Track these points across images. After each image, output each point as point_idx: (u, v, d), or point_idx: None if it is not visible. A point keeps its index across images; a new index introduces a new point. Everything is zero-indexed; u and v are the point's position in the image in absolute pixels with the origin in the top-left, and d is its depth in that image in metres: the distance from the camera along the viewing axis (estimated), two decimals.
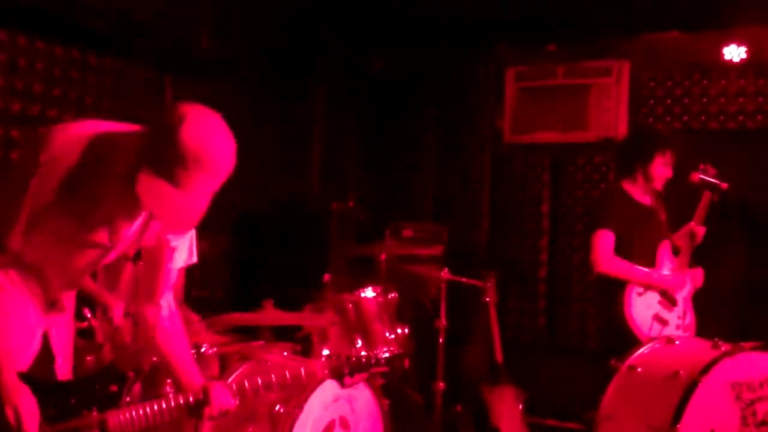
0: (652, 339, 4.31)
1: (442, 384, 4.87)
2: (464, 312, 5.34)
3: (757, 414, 3.79)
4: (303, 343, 4.51)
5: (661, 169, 4.67)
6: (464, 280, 5.08)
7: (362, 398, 3.96)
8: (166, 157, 2.20)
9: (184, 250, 2.69)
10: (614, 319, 4.58)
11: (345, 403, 3.89)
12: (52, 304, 2.58)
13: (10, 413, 2.33)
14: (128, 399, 2.54)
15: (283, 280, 5.65)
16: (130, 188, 2.27)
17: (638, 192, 4.72)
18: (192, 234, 2.69)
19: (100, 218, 2.44)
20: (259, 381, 2.74)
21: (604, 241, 4.56)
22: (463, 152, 6.79)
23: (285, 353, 4.23)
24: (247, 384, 2.73)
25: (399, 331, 4.72)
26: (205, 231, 4.78)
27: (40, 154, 2.31)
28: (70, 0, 4.70)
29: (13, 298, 2.47)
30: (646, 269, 4.60)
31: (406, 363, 4.90)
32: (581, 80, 6.33)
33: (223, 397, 2.65)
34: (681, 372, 3.82)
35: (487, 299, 5.17)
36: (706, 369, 3.79)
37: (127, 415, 2.51)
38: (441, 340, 4.89)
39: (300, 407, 3.64)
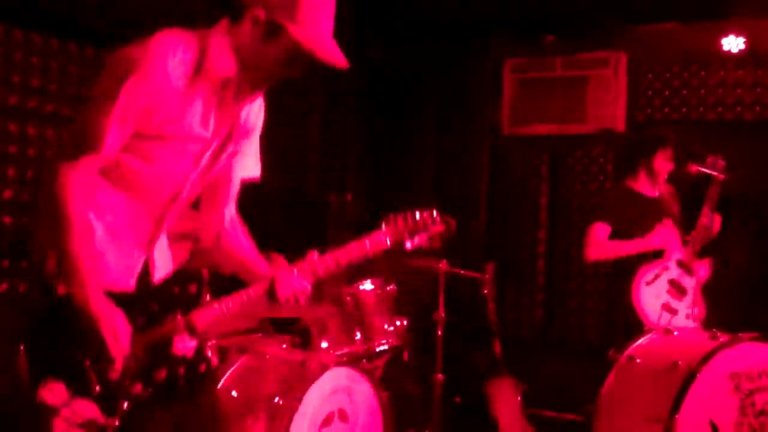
0: (651, 330, 4.33)
1: (440, 376, 4.87)
2: (463, 304, 5.34)
3: (755, 404, 3.80)
4: (301, 335, 4.51)
5: (663, 163, 4.83)
6: (463, 272, 5.08)
7: (361, 390, 3.96)
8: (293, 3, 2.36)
9: (251, 157, 2.73)
10: (622, 310, 4.61)
11: (344, 395, 3.89)
12: (151, 241, 2.56)
13: (107, 333, 2.32)
14: (208, 297, 2.56)
15: None
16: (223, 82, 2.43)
17: (644, 187, 4.82)
18: (257, 142, 2.73)
19: (196, 114, 2.45)
20: (336, 257, 2.74)
21: (597, 232, 4.71)
22: (462, 144, 6.78)
23: (284, 345, 4.24)
24: (317, 261, 2.74)
25: (398, 323, 4.71)
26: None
27: (133, 62, 2.34)
28: None
29: (115, 227, 2.47)
30: (631, 240, 4.67)
31: (405, 355, 4.91)
32: (579, 72, 6.32)
33: (294, 280, 2.67)
34: (680, 363, 3.83)
35: (486, 292, 5.17)
36: (704, 360, 3.80)
37: (211, 311, 2.55)
38: (439, 333, 4.88)
39: (299, 399, 3.64)
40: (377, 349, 4.60)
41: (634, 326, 4.49)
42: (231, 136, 2.57)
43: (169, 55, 2.36)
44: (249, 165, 2.75)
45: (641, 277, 4.62)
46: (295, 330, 4.54)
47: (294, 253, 6.18)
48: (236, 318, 2.68)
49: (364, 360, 4.38)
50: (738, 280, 5.48)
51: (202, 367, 2.57)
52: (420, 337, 4.97)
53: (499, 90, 6.63)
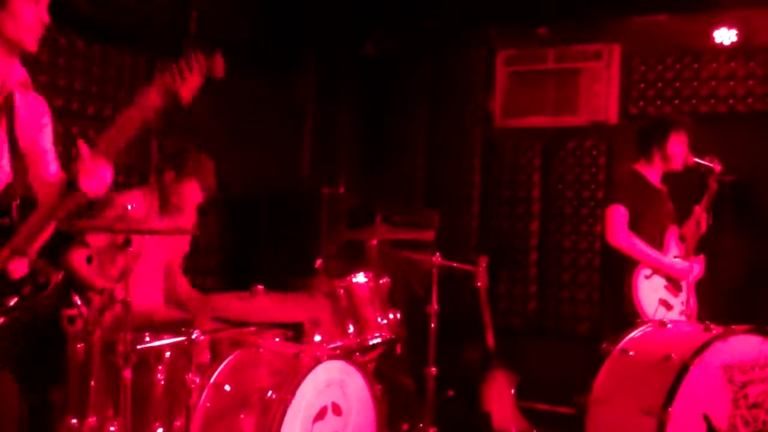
0: (645, 322, 4.33)
1: (434, 369, 4.87)
2: (456, 297, 5.34)
3: (748, 396, 3.81)
4: (294, 329, 4.50)
5: (678, 147, 4.78)
6: (456, 264, 5.08)
7: (355, 384, 3.95)
8: None
9: (48, 132, 2.93)
10: (620, 302, 4.61)
11: (337, 388, 3.88)
12: None
13: None
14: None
15: (274, 266, 5.64)
16: None
17: (652, 175, 4.79)
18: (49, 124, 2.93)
19: None
20: (114, 129, 2.72)
21: (616, 215, 4.64)
22: (455, 137, 6.77)
23: (277, 339, 4.23)
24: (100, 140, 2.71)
25: (391, 316, 4.71)
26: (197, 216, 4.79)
27: None
28: None
29: None
30: (657, 252, 4.65)
31: (398, 348, 4.91)
32: (572, 64, 6.31)
33: (92, 167, 2.65)
34: (673, 355, 3.83)
35: (479, 284, 5.17)
36: (697, 352, 3.80)
37: (28, 227, 2.65)
38: (433, 325, 4.88)
39: (292, 393, 3.63)
40: (370, 343, 4.60)
41: (628, 318, 4.50)
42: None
43: None
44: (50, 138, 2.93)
45: (640, 271, 4.62)
46: (288, 324, 4.53)
47: (288, 245, 6.18)
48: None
49: (358, 353, 4.38)
50: (731, 273, 5.48)
51: (41, 279, 2.69)
52: (413, 330, 4.97)
53: (491, 82, 6.62)
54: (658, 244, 4.71)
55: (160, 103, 2.69)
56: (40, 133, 2.90)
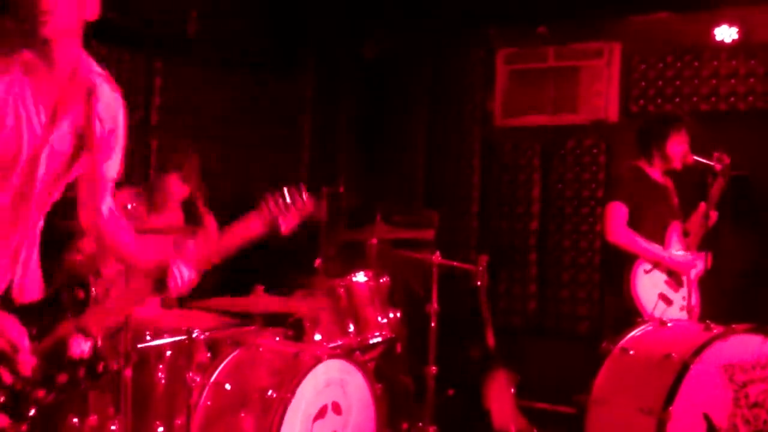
0: (645, 321, 4.33)
1: (434, 368, 4.87)
2: (456, 296, 5.33)
3: (749, 396, 3.80)
4: (295, 328, 4.50)
5: (677, 147, 4.78)
6: (455, 264, 5.07)
7: (355, 383, 3.95)
8: None
9: (116, 158, 2.69)
10: (620, 300, 4.61)
11: (337, 387, 3.88)
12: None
13: (2, 341, 2.36)
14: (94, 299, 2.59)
15: (274, 265, 5.62)
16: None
17: (654, 171, 4.79)
18: (120, 141, 2.70)
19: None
20: (215, 245, 2.74)
21: (616, 212, 4.66)
22: (454, 136, 6.77)
23: (277, 338, 4.23)
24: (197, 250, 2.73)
25: (391, 315, 4.71)
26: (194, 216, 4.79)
27: None
28: None
29: None
30: (657, 246, 4.65)
31: (398, 348, 4.90)
32: (572, 63, 6.30)
33: (182, 271, 2.64)
34: (673, 354, 3.83)
35: (478, 283, 5.16)
36: (698, 351, 3.79)
37: (101, 311, 2.59)
38: (432, 325, 4.88)
39: (292, 392, 3.63)
40: (370, 342, 4.61)
41: (628, 315, 4.49)
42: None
43: None
44: (116, 166, 2.71)
45: (640, 265, 4.62)
46: (288, 323, 4.53)
47: (288, 245, 6.18)
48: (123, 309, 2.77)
49: (358, 352, 4.38)
50: (732, 272, 5.47)
51: (100, 367, 2.58)
52: (413, 330, 4.97)
53: (491, 81, 6.61)
54: (660, 240, 4.71)
55: (260, 230, 2.77)
56: (109, 156, 2.66)
